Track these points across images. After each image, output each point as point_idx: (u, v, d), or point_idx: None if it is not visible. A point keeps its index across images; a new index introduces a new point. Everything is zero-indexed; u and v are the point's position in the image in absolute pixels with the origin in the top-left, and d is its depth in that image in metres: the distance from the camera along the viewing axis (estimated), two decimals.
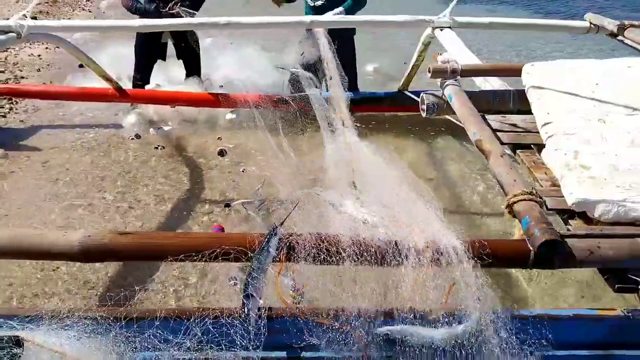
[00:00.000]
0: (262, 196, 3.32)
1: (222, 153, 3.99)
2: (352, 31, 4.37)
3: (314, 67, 4.34)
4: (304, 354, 1.60)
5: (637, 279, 1.64)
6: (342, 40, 4.11)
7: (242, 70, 5.01)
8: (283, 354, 1.67)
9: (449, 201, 3.47)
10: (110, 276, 2.78)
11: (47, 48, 6.33)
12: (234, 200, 3.35)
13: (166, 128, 4.37)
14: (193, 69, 4.74)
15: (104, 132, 4.36)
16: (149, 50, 4.57)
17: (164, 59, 4.69)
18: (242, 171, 3.72)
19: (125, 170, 3.79)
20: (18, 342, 1.39)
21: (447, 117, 3.14)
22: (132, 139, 4.24)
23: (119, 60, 4.91)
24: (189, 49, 4.65)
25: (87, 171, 3.77)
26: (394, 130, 4.38)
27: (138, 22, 3.73)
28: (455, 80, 2.46)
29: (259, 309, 1.60)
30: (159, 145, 4.10)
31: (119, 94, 4.39)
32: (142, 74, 4.65)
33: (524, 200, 1.73)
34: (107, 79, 4.32)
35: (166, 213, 3.33)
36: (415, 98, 4.14)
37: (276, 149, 3.95)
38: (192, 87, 4.58)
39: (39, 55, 6.16)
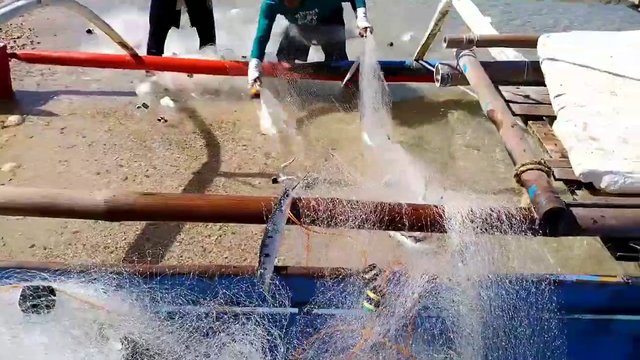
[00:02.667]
0: (286, 173, 3.37)
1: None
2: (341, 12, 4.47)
3: (301, 39, 4.44)
4: (314, 310, 1.71)
5: (639, 247, 1.73)
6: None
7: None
8: (295, 310, 1.77)
9: (456, 172, 3.54)
10: (129, 242, 2.91)
11: (61, 12, 6.39)
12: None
13: (172, 104, 4.37)
14: (207, 37, 4.80)
15: (119, 100, 4.46)
16: (163, 17, 4.65)
17: (177, 26, 4.75)
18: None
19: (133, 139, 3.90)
20: (52, 292, 1.52)
21: (462, 87, 3.22)
22: (139, 107, 4.32)
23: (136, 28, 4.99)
24: (203, 17, 4.73)
25: (104, 139, 3.88)
26: (407, 101, 4.44)
27: None
28: (471, 50, 2.51)
29: (274, 267, 1.71)
30: (162, 118, 4.15)
31: (135, 61, 4.48)
32: (156, 41, 4.73)
33: (532, 169, 1.81)
34: (124, 45, 4.40)
35: (178, 183, 3.44)
36: (431, 68, 4.25)
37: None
38: (208, 56, 4.63)
39: (55, 20, 6.23)
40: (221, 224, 2.98)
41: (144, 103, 4.35)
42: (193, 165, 3.60)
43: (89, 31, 5.57)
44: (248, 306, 1.68)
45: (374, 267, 1.70)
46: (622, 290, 1.72)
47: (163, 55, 4.74)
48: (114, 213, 1.76)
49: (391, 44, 5.67)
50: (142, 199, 1.78)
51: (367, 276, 1.67)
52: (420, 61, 4.40)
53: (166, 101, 4.40)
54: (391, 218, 1.70)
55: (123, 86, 4.65)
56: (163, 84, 4.61)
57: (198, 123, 4.18)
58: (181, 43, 4.94)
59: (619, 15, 6.31)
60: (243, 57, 4.82)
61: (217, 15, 4.98)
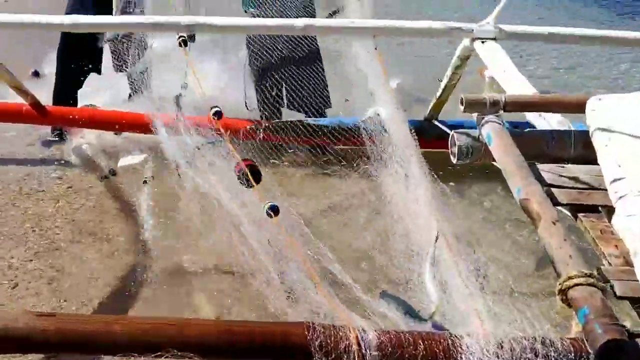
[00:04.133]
0: None
1: None
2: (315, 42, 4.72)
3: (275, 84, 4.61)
4: None
5: None
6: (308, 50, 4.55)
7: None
8: None
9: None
10: None
11: None
12: None
13: (138, 159, 4.56)
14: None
15: (12, 171, 4.51)
16: (77, 58, 4.74)
17: (98, 71, 4.88)
18: None
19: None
20: None
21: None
22: (105, 177, 4.45)
23: None
24: None
25: None
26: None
27: (69, 18, 3.86)
28: (497, 115, 2.64)
29: None
30: (146, 179, 4.30)
31: (38, 113, 4.55)
32: (66, 92, 4.81)
33: (582, 284, 1.86)
34: (22, 91, 4.49)
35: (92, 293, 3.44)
36: (448, 131, 4.39)
37: None
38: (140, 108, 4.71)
39: None
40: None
41: (111, 169, 4.48)
42: (112, 265, 3.62)
43: (36, 73, 5.72)
44: None
45: None
46: None
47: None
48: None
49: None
50: (38, 322, 1.79)
51: None
52: (435, 122, 4.57)
53: (129, 160, 4.56)
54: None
55: (17, 151, 4.72)
56: (99, 144, 4.73)
57: (123, 201, 4.25)
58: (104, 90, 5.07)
59: None
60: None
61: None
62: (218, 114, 3.15)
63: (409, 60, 6.60)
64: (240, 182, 2.86)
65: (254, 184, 2.76)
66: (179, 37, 3.44)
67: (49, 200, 4.23)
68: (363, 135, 3.43)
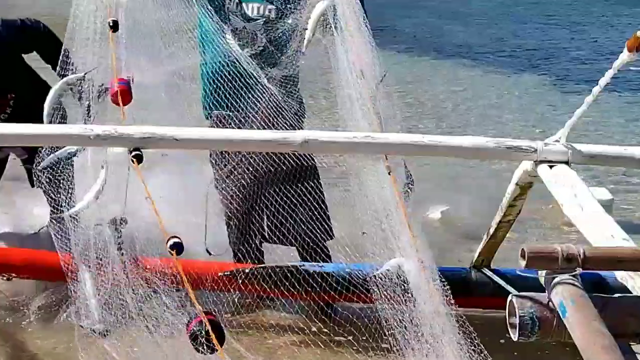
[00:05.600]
0: None
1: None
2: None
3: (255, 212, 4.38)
4: None
5: None
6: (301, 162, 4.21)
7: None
8: None
9: None
10: None
11: None
12: None
13: None
14: None
15: None
16: None
17: None
18: None
19: None
20: None
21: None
22: None
23: None
24: None
25: None
26: None
27: None
28: (574, 275, 2.31)
29: None
30: None
31: None
32: None
33: None
34: None
35: None
36: (502, 283, 4.04)
37: None
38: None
39: None
40: None
41: None
42: None
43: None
44: None
45: None
46: None
47: None
48: None
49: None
50: None
51: None
52: (486, 270, 4.38)
53: None
54: None
55: None
56: None
57: None
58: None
59: None
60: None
61: None
62: (178, 247, 2.77)
63: (462, 179, 6.37)
64: (196, 346, 2.53)
65: (217, 346, 2.39)
66: (132, 152, 3.16)
67: None
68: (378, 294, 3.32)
